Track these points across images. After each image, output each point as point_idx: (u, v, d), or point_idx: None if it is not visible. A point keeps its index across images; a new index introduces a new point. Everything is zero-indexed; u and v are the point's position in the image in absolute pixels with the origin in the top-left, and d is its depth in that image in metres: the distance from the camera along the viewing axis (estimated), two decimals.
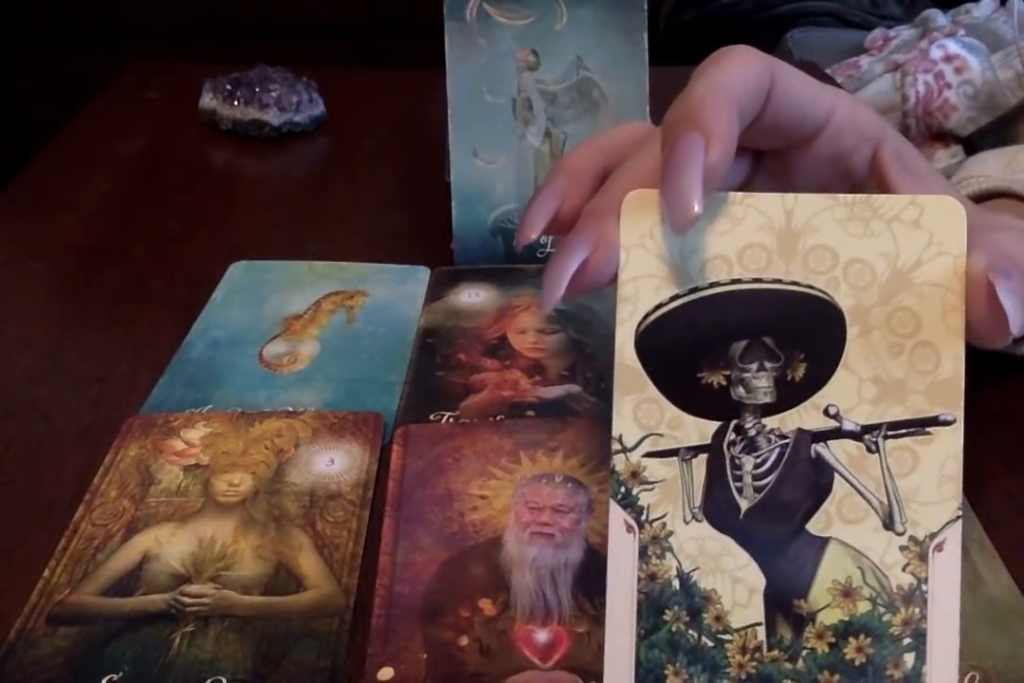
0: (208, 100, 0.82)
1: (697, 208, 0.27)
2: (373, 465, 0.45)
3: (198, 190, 0.74)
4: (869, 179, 0.33)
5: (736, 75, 0.29)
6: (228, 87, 0.81)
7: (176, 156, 0.79)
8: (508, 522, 0.42)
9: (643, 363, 0.28)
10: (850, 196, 0.28)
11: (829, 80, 0.81)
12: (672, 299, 0.28)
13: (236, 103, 0.81)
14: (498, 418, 0.48)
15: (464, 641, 0.37)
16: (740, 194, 0.28)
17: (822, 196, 0.28)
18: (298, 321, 0.56)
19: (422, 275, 0.61)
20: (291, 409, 0.49)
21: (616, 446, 0.29)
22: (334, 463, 0.45)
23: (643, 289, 0.28)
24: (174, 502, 0.43)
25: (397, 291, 0.59)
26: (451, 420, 0.48)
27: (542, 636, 0.37)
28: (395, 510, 0.42)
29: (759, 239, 0.28)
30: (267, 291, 0.59)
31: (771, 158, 0.34)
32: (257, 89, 0.81)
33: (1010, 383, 0.50)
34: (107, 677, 0.35)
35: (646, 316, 0.28)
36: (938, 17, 0.76)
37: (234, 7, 1.69)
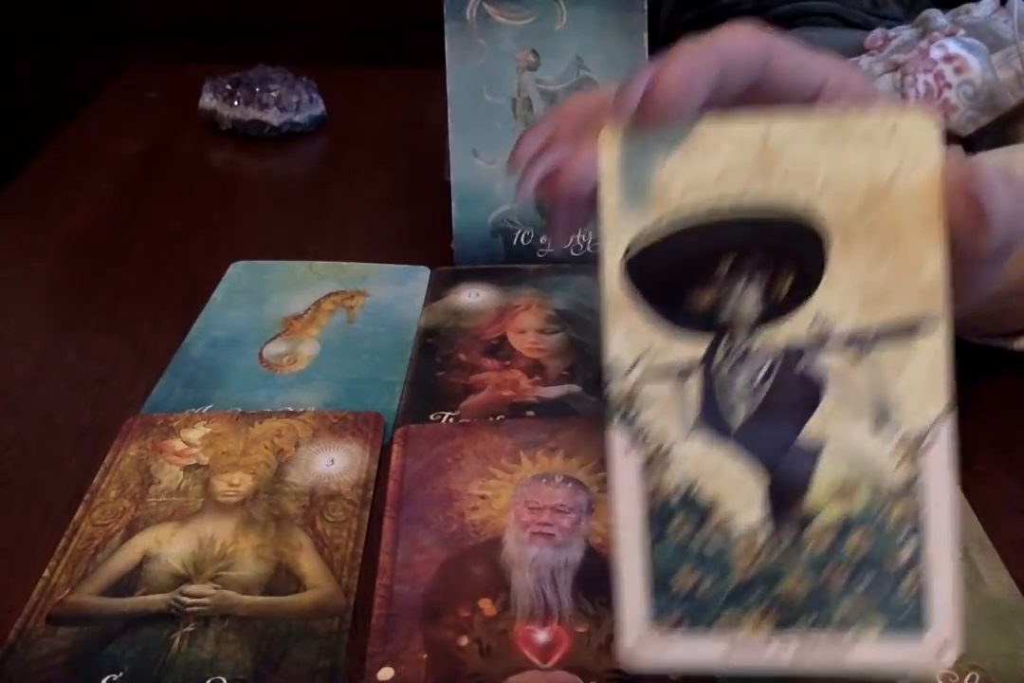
0: (208, 100, 0.82)
1: (633, 102, 0.27)
2: (373, 465, 0.45)
3: (198, 190, 0.74)
4: None
5: (726, 41, 0.29)
6: (228, 87, 0.81)
7: (176, 156, 0.79)
8: (508, 522, 0.42)
9: (631, 291, 0.29)
10: (823, 115, 0.28)
11: None
12: (655, 227, 0.29)
13: (236, 103, 0.81)
14: (498, 418, 0.48)
15: (464, 641, 0.37)
16: (715, 118, 0.28)
17: (795, 117, 0.28)
18: (298, 321, 0.56)
19: (422, 275, 0.61)
20: (291, 409, 0.49)
21: (610, 372, 0.29)
22: (334, 463, 0.45)
23: (625, 219, 0.29)
24: (174, 502, 0.43)
25: (397, 291, 0.59)
26: (451, 420, 0.48)
27: (542, 636, 0.37)
28: (395, 510, 0.42)
29: (738, 160, 0.28)
30: (267, 291, 0.59)
31: None
32: (257, 89, 0.81)
33: (1010, 382, 0.50)
34: (107, 677, 0.35)
35: (631, 245, 0.29)
36: (938, 17, 0.76)
37: (234, 7, 1.69)
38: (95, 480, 0.44)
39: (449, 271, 0.61)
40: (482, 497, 0.43)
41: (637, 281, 0.29)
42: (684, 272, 0.29)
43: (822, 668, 0.28)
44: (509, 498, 0.43)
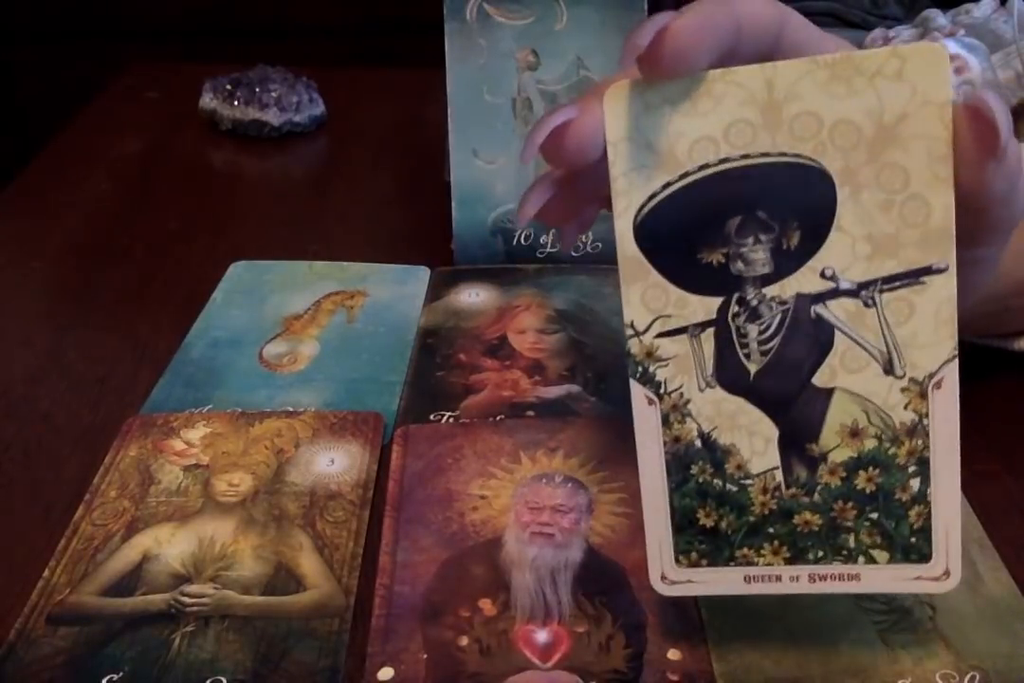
0: (208, 100, 0.82)
1: (643, 42, 0.27)
2: (373, 465, 0.45)
3: (198, 190, 0.74)
4: None
5: (744, 3, 0.29)
6: (228, 87, 0.81)
7: (176, 156, 0.79)
8: (508, 522, 0.42)
9: (644, 252, 0.29)
10: (830, 56, 0.28)
11: None
12: (664, 187, 0.29)
13: (236, 103, 0.81)
14: (498, 418, 0.48)
15: (464, 641, 0.37)
16: (719, 71, 0.28)
17: (802, 60, 0.28)
18: (298, 321, 0.56)
19: (422, 275, 0.61)
20: (291, 409, 0.49)
21: (629, 331, 0.30)
22: (334, 463, 0.45)
23: (635, 181, 0.29)
24: (174, 502, 0.43)
25: (397, 291, 0.59)
26: (451, 420, 0.48)
27: (542, 636, 0.37)
28: (395, 510, 0.42)
29: (743, 114, 0.28)
30: (267, 291, 0.59)
31: None
32: (257, 89, 0.81)
33: (1009, 382, 0.50)
34: (107, 677, 0.35)
35: (641, 207, 0.29)
36: (938, 17, 0.76)
37: (234, 7, 1.69)
38: (95, 480, 0.44)
39: (449, 271, 0.61)
40: (482, 497, 0.43)
41: (649, 242, 0.29)
42: (694, 231, 0.29)
43: (832, 593, 0.31)
44: (509, 498, 0.43)
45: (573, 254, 0.61)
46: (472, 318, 0.56)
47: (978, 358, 0.49)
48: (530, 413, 0.49)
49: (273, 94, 0.81)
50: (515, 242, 0.61)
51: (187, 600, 0.38)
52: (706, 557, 0.31)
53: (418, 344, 0.54)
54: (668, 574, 0.31)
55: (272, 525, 0.42)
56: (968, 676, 0.35)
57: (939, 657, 0.36)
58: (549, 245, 0.61)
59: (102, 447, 0.46)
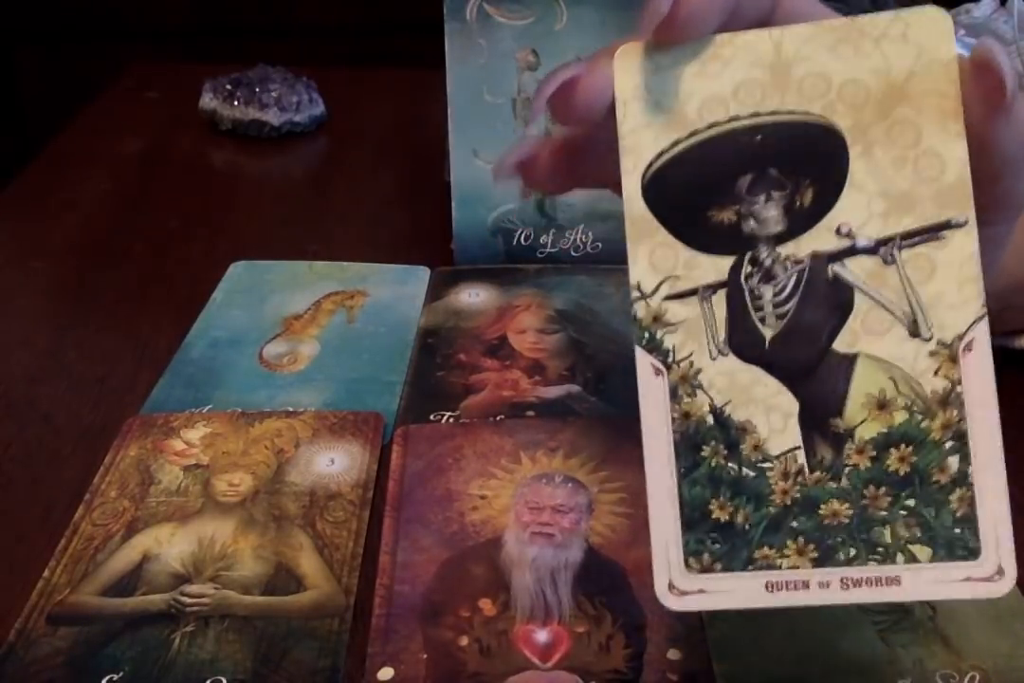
0: (208, 100, 0.82)
1: (664, 8, 0.27)
2: (373, 465, 0.45)
3: (198, 190, 0.74)
4: None
5: None
6: (228, 87, 0.81)
7: (176, 156, 0.79)
8: (508, 522, 0.42)
9: (653, 210, 0.29)
10: (836, 21, 0.28)
11: None
12: (673, 145, 0.28)
13: (236, 103, 0.81)
14: (498, 418, 0.48)
15: (464, 641, 0.37)
16: (728, 35, 0.28)
17: (808, 25, 0.28)
18: (298, 321, 0.56)
19: (422, 275, 0.61)
20: (291, 409, 0.49)
21: (635, 294, 0.29)
22: (334, 463, 0.45)
23: (644, 139, 0.29)
24: (174, 502, 0.43)
25: (397, 291, 0.59)
26: (451, 420, 0.48)
27: (542, 636, 0.37)
28: (395, 510, 0.42)
29: (752, 75, 0.28)
30: (267, 291, 0.59)
31: None
32: (257, 89, 0.81)
33: (1010, 382, 0.50)
34: (107, 677, 0.35)
35: (650, 165, 0.29)
36: None
37: (234, 7, 1.69)
38: (95, 480, 0.44)
39: (449, 271, 0.61)
40: (482, 497, 0.43)
41: (658, 200, 0.29)
42: (704, 189, 0.28)
43: (870, 602, 0.27)
44: (509, 498, 0.43)
45: (573, 254, 0.61)
46: (472, 318, 0.56)
47: None
48: (530, 413, 0.49)
49: (273, 94, 0.81)
50: (515, 242, 0.61)
51: (187, 600, 0.38)
52: (720, 559, 0.27)
53: (418, 344, 0.54)
54: (677, 582, 0.28)
55: (272, 525, 0.42)
56: (968, 676, 0.35)
57: (939, 657, 0.36)
58: (549, 245, 0.61)
59: (102, 447, 0.46)
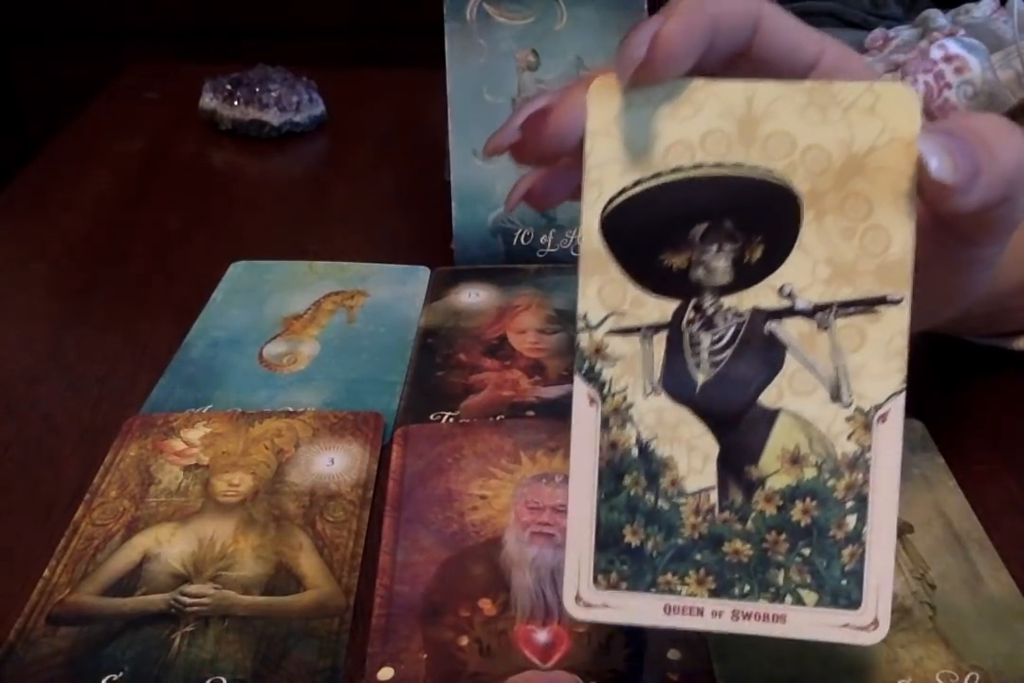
0: (208, 100, 0.82)
1: (640, 53, 0.27)
2: (373, 465, 0.45)
3: (198, 190, 0.74)
4: None
5: (716, 3, 0.29)
6: (228, 87, 0.81)
7: (176, 156, 0.79)
8: (508, 522, 0.42)
9: (608, 245, 0.29)
10: (808, 82, 0.28)
11: None
12: (636, 184, 0.29)
13: (236, 103, 0.81)
14: (498, 418, 0.48)
15: (464, 641, 0.37)
16: (702, 80, 0.29)
17: (781, 82, 0.29)
18: (298, 321, 0.56)
19: (422, 275, 0.61)
20: (291, 409, 0.49)
21: (580, 324, 0.30)
22: (334, 463, 0.45)
23: (608, 174, 0.29)
24: (174, 502, 0.43)
25: (397, 291, 0.59)
26: (451, 420, 0.48)
27: (542, 636, 0.37)
28: (395, 510, 0.42)
29: (720, 125, 0.29)
30: (267, 291, 0.59)
31: None
32: (257, 89, 0.81)
33: (1010, 382, 0.50)
34: (107, 677, 0.35)
35: (611, 200, 0.29)
36: (938, 17, 0.76)
37: (234, 7, 1.69)
38: (95, 480, 0.44)
39: (449, 271, 0.61)
40: (482, 497, 0.43)
41: (614, 236, 0.29)
42: (659, 232, 0.29)
43: (754, 634, 0.29)
44: (509, 498, 0.43)
45: (573, 254, 0.61)
46: (472, 318, 0.56)
47: (978, 358, 0.49)
48: (530, 413, 0.49)
49: (273, 94, 0.81)
50: (515, 242, 0.61)
51: (187, 600, 0.38)
52: (627, 579, 0.29)
53: (418, 344, 0.54)
54: (584, 594, 0.29)
55: (272, 525, 0.42)
56: (968, 676, 0.35)
57: (939, 657, 0.36)
58: (549, 245, 0.61)
59: (102, 447, 0.46)
